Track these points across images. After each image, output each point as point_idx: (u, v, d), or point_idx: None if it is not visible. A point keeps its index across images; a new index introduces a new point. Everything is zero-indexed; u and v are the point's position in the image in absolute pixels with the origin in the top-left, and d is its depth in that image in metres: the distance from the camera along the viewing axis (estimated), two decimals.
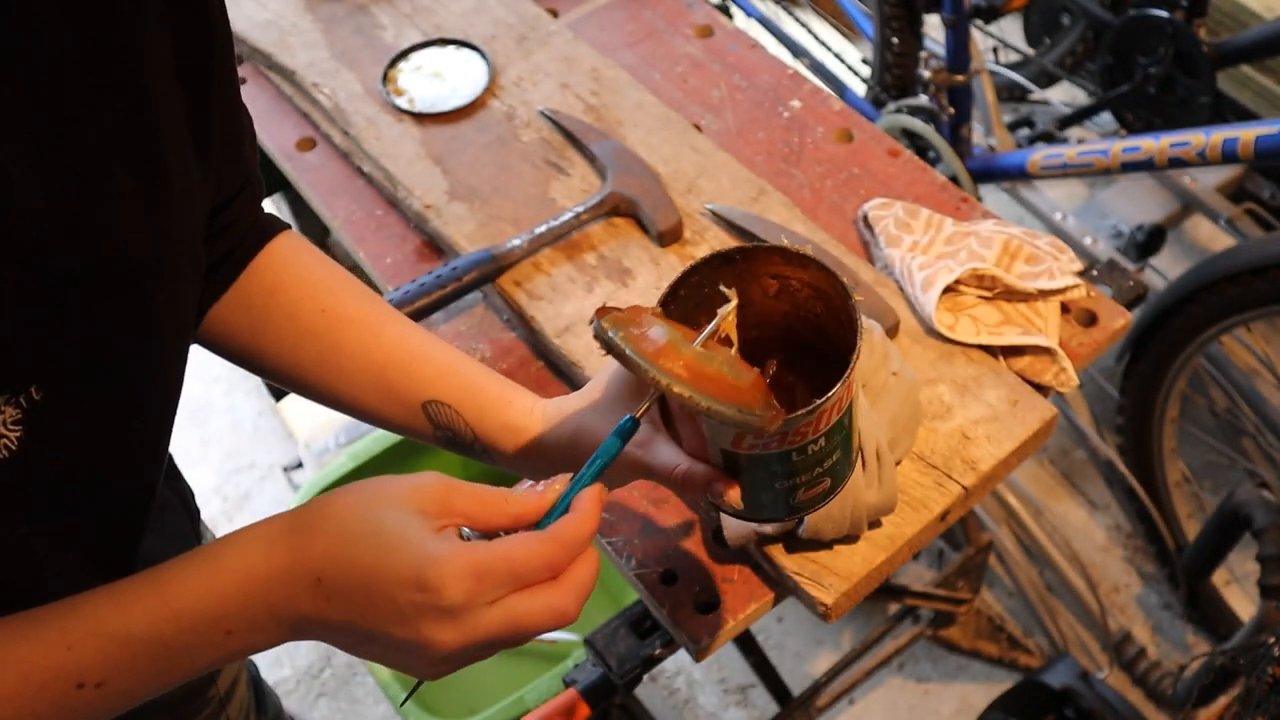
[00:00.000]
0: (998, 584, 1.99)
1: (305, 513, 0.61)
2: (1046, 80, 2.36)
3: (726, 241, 1.15)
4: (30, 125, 0.53)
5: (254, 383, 2.42)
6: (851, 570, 0.92)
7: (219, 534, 0.77)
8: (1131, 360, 1.76)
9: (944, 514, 0.96)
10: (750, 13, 2.21)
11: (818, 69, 2.19)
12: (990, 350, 1.06)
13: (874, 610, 1.92)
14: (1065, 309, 1.10)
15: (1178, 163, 1.55)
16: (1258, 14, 1.99)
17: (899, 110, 1.90)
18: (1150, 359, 1.72)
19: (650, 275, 1.13)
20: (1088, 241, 1.93)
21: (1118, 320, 1.09)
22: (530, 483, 0.64)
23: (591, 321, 0.63)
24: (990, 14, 1.81)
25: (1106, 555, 2.03)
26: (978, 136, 1.92)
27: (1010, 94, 2.30)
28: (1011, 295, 1.08)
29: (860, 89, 2.21)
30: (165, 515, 0.81)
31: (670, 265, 1.14)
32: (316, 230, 2.07)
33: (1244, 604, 1.86)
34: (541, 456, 0.75)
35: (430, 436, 0.78)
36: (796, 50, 2.22)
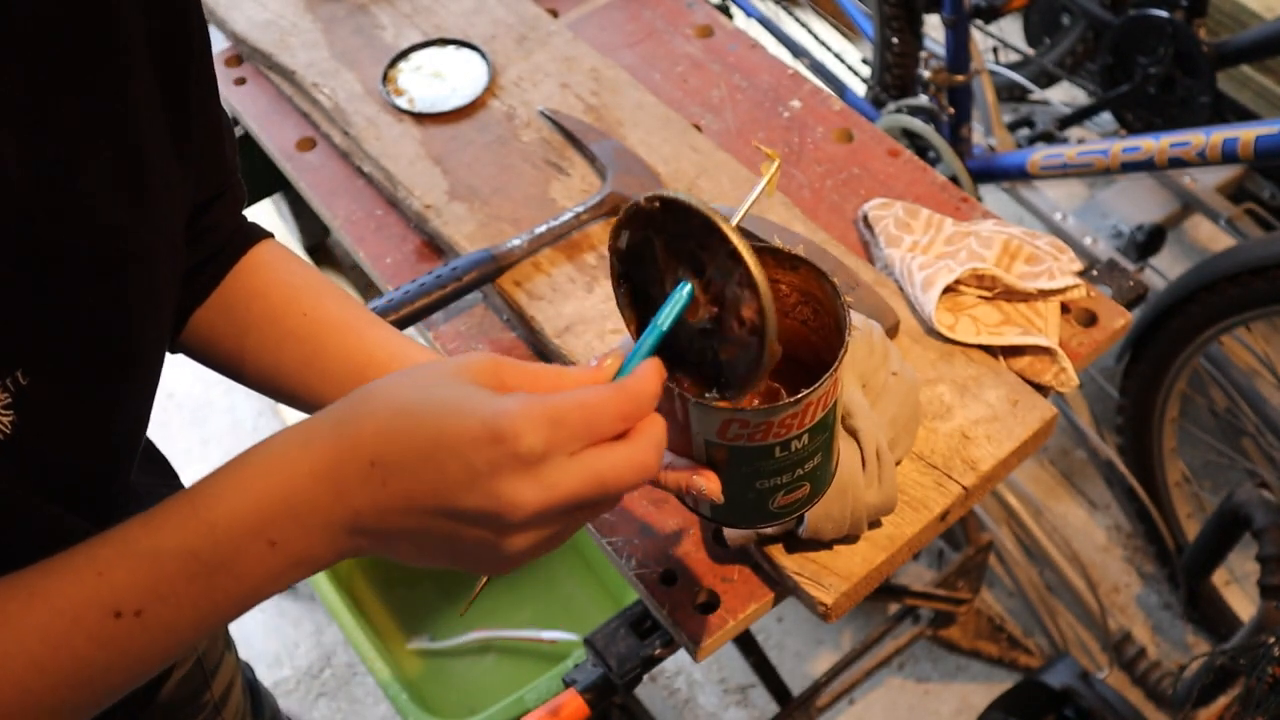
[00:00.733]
0: (998, 584, 1.99)
1: (346, 404, 0.57)
2: (1046, 80, 2.36)
3: None
4: (15, 107, 0.53)
5: None
6: (851, 570, 0.92)
7: None
8: (1131, 360, 1.76)
9: (944, 514, 0.96)
10: (750, 13, 2.21)
11: (818, 69, 2.19)
12: (990, 350, 1.06)
13: (874, 610, 1.92)
14: (1065, 309, 1.09)
15: (1178, 163, 1.55)
16: (1258, 14, 1.99)
17: (899, 110, 1.90)
18: (1150, 359, 1.72)
19: None
20: (1088, 241, 1.93)
21: (1118, 320, 1.09)
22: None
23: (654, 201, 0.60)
24: (990, 14, 1.81)
25: (1106, 555, 2.03)
26: (978, 136, 1.92)
27: (1010, 94, 2.31)
28: (1011, 295, 1.08)
29: (860, 89, 2.21)
30: None
31: None
32: (316, 230, 2.07)
33: (1244, 604, 1.86)
34: None
35: None
36: (796, 50, 2.22)
